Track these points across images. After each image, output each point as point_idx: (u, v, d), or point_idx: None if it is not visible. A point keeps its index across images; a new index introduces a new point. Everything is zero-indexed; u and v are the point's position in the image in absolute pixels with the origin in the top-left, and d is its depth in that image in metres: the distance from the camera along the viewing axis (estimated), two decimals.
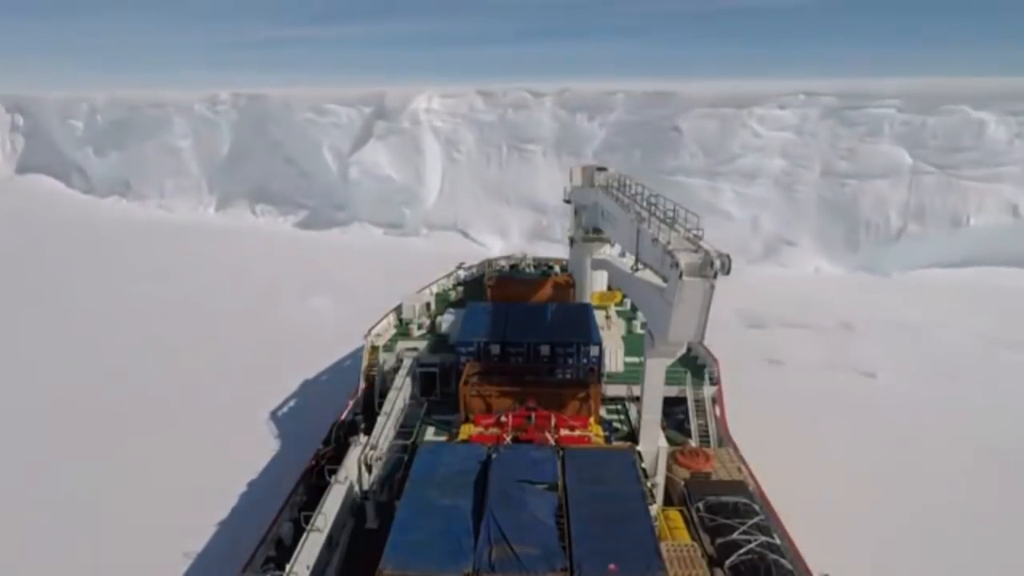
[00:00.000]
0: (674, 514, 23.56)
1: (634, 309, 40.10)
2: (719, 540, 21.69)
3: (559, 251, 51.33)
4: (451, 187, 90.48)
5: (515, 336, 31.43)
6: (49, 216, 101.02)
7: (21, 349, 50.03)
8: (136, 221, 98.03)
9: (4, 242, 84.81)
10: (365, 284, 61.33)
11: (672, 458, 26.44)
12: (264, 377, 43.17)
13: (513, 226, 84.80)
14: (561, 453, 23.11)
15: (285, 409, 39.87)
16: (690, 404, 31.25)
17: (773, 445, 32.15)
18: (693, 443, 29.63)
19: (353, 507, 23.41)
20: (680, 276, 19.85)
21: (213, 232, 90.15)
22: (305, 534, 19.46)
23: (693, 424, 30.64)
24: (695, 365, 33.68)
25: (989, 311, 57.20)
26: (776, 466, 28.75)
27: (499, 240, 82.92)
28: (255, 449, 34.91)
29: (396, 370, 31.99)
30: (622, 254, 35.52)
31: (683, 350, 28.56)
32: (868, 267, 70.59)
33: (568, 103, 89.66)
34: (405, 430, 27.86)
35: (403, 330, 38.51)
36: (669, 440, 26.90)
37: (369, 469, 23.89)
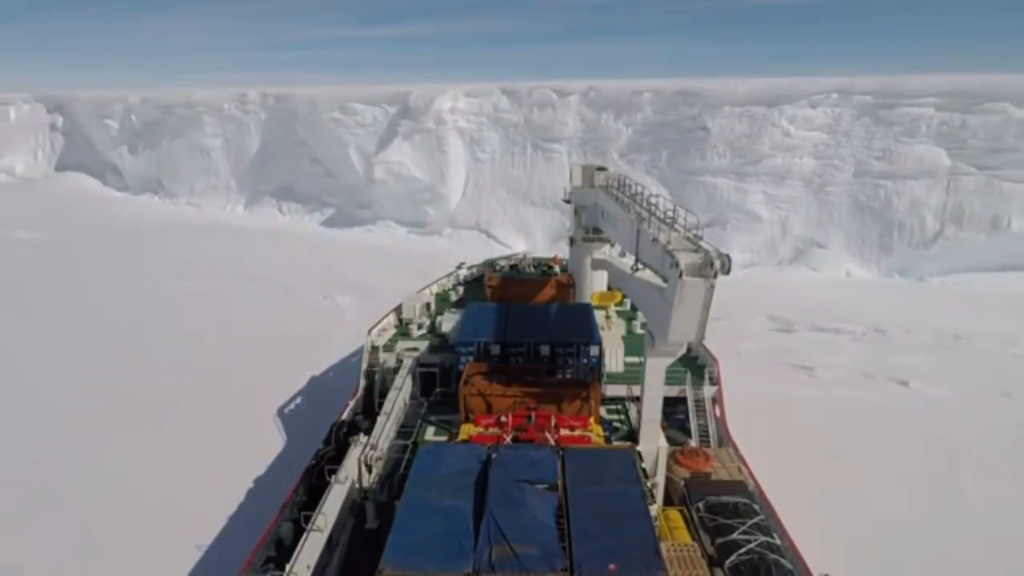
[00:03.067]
0: (674, 514, 23.55)
1: (634, 309, 40.11)
2: (719, 540, 21.67)
3: None
4: (475, 187, 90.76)
5: (515, 336, 31.48)
6: (83, 213, 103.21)
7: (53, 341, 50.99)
8: (167, 218, 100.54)
9: (39, 237, 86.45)
10: (390, 282, 58.99)
11: (672, 458, 26.43)
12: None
13: (536, 227, 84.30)
14: (561, 453, 23.10)
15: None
16: (690, 404, 31.25)
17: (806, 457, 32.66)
18: (693, 443, 29.64)
19: (353, 507, 23.42)
20: (680, 276, 19.84)
21: (241, 230, 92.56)
22: (305, 534, 19.46)
23: (693, 424, 30.63)
24: (695, 365, 33.71)
25: None
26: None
27: (522, 240, 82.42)
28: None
29: (396, 370, 31.99)
30: (622, 254, 35.54)
31: (683, 350, 28.59)
32: (903, 271, 68.54)
33: (594, 102, 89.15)
34: (405, 430, 27.90)
35: (403, 330, 38.50)
36: (669, 440, 26.89)
37: (369, 469, 23.89)
